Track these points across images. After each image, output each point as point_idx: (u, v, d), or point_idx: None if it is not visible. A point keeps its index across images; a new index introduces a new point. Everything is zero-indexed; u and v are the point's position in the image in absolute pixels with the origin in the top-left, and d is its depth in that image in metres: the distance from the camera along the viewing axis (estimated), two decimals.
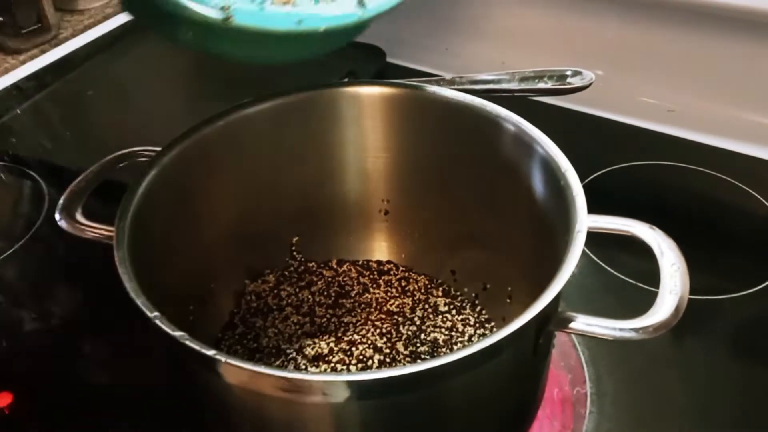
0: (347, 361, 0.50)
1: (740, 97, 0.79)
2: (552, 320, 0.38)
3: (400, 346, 0.52)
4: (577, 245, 0.40)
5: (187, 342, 0.35)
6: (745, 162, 0.74)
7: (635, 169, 0.73)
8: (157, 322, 0.36)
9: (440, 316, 0.55)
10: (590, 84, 0.64)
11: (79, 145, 0.76)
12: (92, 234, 0.45)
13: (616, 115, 0.81)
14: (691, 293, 0.40)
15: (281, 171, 0.54)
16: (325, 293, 0.56)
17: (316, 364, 0.50)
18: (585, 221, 0.41)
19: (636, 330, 0.37)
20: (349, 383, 0.34)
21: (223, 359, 0.34)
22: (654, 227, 0.43)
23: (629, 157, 0.74)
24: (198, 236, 0.51)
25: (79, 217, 0.46)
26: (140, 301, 0.37)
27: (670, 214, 0.69)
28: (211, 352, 0.34)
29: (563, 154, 0.46)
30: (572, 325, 0.38)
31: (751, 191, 0.70)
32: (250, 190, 0.54)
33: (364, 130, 0.54)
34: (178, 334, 0.35)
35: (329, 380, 0.34)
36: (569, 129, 0.73)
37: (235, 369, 0.34)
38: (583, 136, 0.78)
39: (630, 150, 0.75)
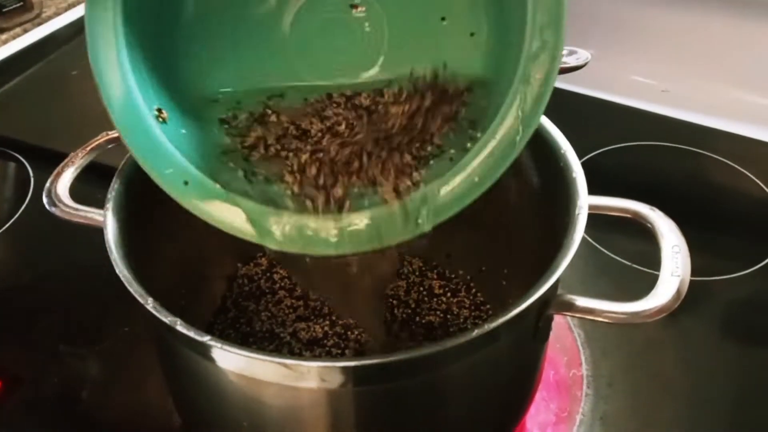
0: (342, 345, 0.50)
1: (734, 77, 0.79)
2: (552, 303, 0.38)
3: (395, 329, 0.52)
4: (579, 226, 0.39)
5: (182, 329, 0.34)
6: (739, 142, 0.74)
7: (629, 149, 0.73)
8: (151, 308, 0.35)
9: (435, 299, 0.54)
10: (586, 63, 0.64)
11: (65, 126, 0.74)
12: (81, 218, 0.44)
13: (609, 95, 0.80)
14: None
15: None
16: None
17: (310, 348, 0.50)
18: (586, 202, 0.40)
19: (637, 313, 0.37)
20: (347, 368, 0.33)
21: (218, 345, 0.33)
22: (654, 208, 0.42)
23: (623, 138, 0.74)
24: (188, 220, 0.50)
25: (66, 200, 0.45)
26: (133, 288, 0.36)
27: (664, 195, 0.69)
28: (205, 338, 0.33)
29: (562, 134, 0.45)
30: (573, 308, 0.38)
31: (745, 171, 0.70)
32: None
33: None
34: (172, 320, 0.34)
35: (326, 366, 0.33)
36: (561, 109, 0.72)
37: (231, 355, 0.34)
38: (576, 116, 0.76)
39: (624, 130, 0.75)
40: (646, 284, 0.58)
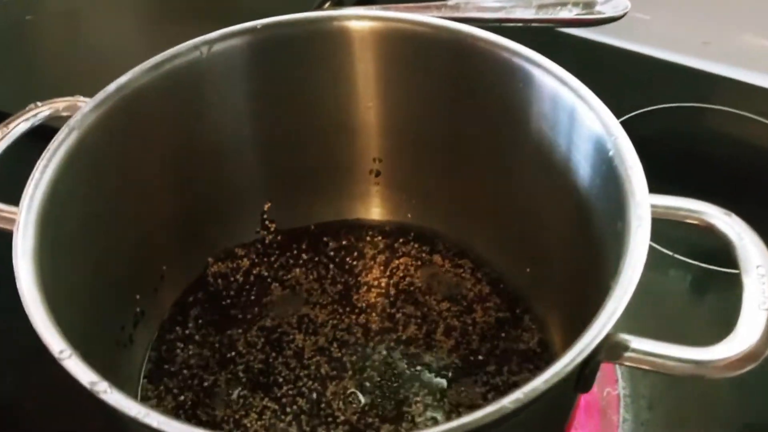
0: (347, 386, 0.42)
1: None
2: (602, 349, 0.29)
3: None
4: (638, 247, 0.30)
5: (105, 397, 0.25)
6: None
7: (667, 112, 0.63)
8: (67, 366, 0.26)
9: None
10: (624, 14, 0.54)
11: (15, 82, 0.64)
12: None
13: (642, 47, 0.69)
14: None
15: (246, 126, 0.44)
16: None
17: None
18: (647, 210, 0.31)
19: (712, 363, 0.28)
20: None
21: (156, 425, 0.24)
22: (730, 213, 0.33)
23: (660, 99, 0.63)
24: (139, 212, 0.41)
25: None
26: (44, 334, 0.27)
27: (708, 166, 0.60)
28: (135, 412, 0.24)
29: (611, 114, 0.35)
30: (628, 354, 0.29)
31: None
32: (207, 152, 0.44)
33: (352, 74, 0.44)
34: (91, 380, 0.25)
35: None
36: (588, 64, 0.62)
37: None
38: (610, 73, 0.67)
39: (661, 90, 0.65)
40: (696, 282, 0.50)
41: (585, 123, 0.36)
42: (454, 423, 0.24)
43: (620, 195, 0.33)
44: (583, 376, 0.30)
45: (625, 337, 0.29)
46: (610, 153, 0.34)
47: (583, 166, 0.37)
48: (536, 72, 0.38)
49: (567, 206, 0.38)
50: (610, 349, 0.29)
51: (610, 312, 0.28)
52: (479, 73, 0.41)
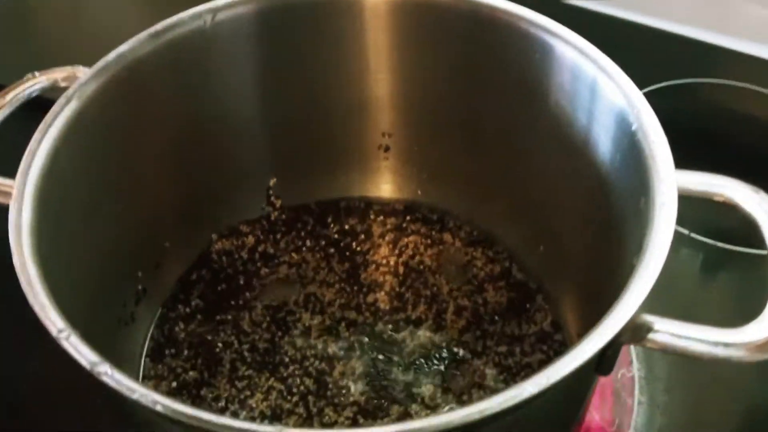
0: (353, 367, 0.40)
1: None
2: (626, 330, 0.28)
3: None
4: (664, 224, 0.28)
5: (106, 379, 0.24)
6: None
7: (681, 88, 0.61)
8: (68, 347, 0.24)
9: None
10: None
11: (9, 53, 0.63)
12: None
13: (651, 20, 0.67)
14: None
15: (251, 99, 0.43)
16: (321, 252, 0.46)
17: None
18: (672, 186, 0.30)
19: (748, 346, 0.27)
20: None
21: (159, 408, 0.23)
22: (759, 190, 0.32)
23: (672, 74, 0.62)
24: (139, 186, 0.39)
25: None
26: (43, 312, 0.26)
27: (723, 143, 0.58)
28: (138, 394, 0.23)
29: (634, 86, 0.34)
30: (652, 336, 0.28)
31: None
32: (210, 125, 0.42)
33: (363, 45, 0.42)
34: (92, 361, 0.24)
35: None
36: (597, 38, 0.61)
37: (179, 419, 0.24)
38: (617, 48, 0.65)
39: (672, 65, 0.63)
40: (718, 264, 0.48)
41: (606, 96, 0.34)
42: (475, 407, 0.23)
43: (643, 171, 0.31)
44: (605, 358, 0.29)
45: (648, 318, 0.28)
46: (633, 127, 0.32)
47: (603, 141, 0.35)
48: (555, 43, 0.37)
49: (585, 183, 0.37)
50: (633, 331, 0.28)
51: (636, 291, 0.26)
52: (495, 45, 0.39)
